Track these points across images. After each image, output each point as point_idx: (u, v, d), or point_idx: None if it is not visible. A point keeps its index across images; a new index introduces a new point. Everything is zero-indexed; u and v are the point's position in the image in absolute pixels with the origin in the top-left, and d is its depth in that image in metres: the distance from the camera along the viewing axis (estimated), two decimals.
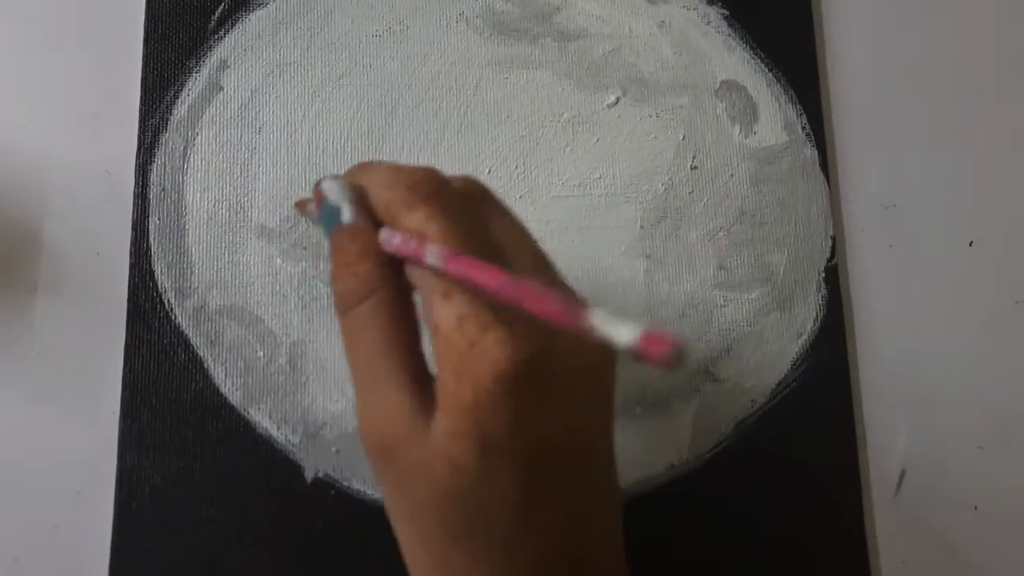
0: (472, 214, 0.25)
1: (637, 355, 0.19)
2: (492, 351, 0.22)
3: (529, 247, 0.26)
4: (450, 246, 0.23)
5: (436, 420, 0.23)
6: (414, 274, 0.24)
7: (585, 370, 0.24)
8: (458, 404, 0.22)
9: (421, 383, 0.24)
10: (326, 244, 0.25)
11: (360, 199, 0.25)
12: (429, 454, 0.23)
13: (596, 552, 0.25)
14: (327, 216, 0.25)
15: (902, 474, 0.36)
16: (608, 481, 0.26)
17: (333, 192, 0.25)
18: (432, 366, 0.24)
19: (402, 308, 0.24)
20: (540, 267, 0.26)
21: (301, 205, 0.30)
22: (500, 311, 0.23)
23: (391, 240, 0.24)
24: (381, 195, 0.25)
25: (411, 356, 0.24)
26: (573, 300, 0.21)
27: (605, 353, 0.25)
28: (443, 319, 0.23)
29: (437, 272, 0.23)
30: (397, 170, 0.25)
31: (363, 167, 0.27)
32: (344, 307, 0.25)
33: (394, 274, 0.24)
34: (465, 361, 0.22)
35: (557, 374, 0.23)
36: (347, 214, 0.25)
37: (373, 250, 0.25)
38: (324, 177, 0.26)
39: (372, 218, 0.25)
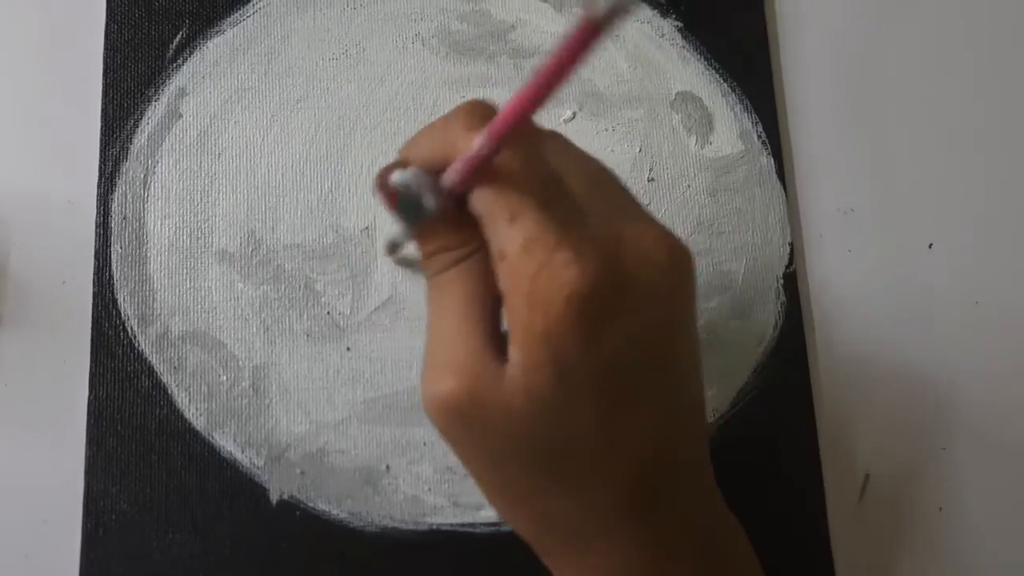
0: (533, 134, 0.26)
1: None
2: (561, 273, 0.22)
3: (583, 165, 0.26)
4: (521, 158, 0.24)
5: (510, 356, 0.23)
6: (479, 203, 0.24)
7: (651, 286, 0.24)
8: (530, 331, 0.23)
9: (495, 339, 0.24)
10: (403, 228, 0.26)
11: (433, 181, 0.25)
12: (507, 393, 0.23)
13: (681, 463, 0.26)
14: (406, 208, 0.25)
15: (866, 478, 0.36)
16: (689, 394, 0.26)
17: (411, 185, 0.25)
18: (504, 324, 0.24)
19: (485, 274, 0.25)
20: (595, 182, 0.26)
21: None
22: (567, 231, 0.23)
23: (452, 173, 0.24)
24: (440, 151, 0.25)
25: (488, 318, 0.24)
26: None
27: (675, 257, 0.25)
28: (509, 244, 0.23)
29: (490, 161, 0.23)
30: (446, 119, 0.25)
31: (409, 145, 0.26)
32: (432, 273, 0.25)
33: (480, 243, 0.25)
34: (534, 286, 0.22)
35: (625, 292, 0.23)
36: (431, 202, 0.25)
37: (461, 227, 0.25)
38: (390, 170, 0.25)
39: (446, 192, 0.25)
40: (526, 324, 0.23)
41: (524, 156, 0.24)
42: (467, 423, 0.24)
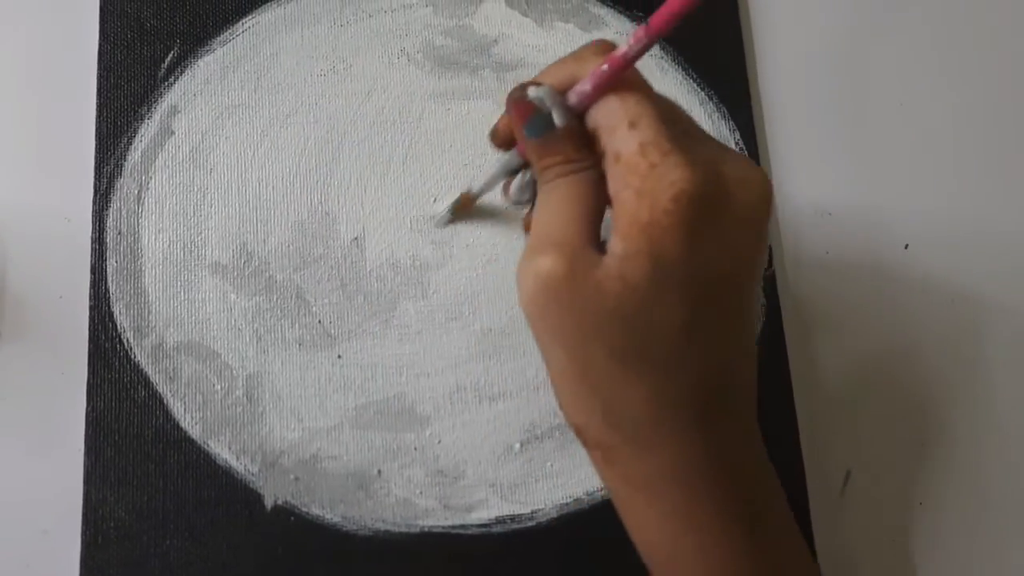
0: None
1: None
2: (672, 172, 0.24)
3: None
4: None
5: (610, 247, 0.25)
6: (601, 114, 0.26)
7: (747, 208, 0.26)
8: (635, 221, 0.25)
9: (596, 239, 0.26)
10: (530, 145, 0.28)
11: (563, 99, 0.27)
12: (601, 277, 0.25)
13: (741, 384, 0.28)
14: (536, 124, 0.27)
15: (847, 474, 0.37)
16: (753, 324, 0.28)
17: (546, 100, 0.27)
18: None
19: (593, 188, 0.27)
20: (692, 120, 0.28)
21: (501, 132, 0.31)
22: (680, 142, 0.25)
23: (583, 87, 0.26)
24: (569, 75, 0.27)
25: (592, 221, 0.26)
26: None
27: (764, 193, 0.27)
28: (626, 147, 0.25)
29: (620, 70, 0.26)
30: (576, 52, 0.28)
31: (542, 73, 0.28)
32: (546, 180, 0.27)
33: (591, 161, 0.27)
34: (646, 181, 0.25)
35: (724, 206, 0.25)
36: (560, 117, 0.27)
37: (579, 144, 0.27)
38: (522, 88, 0.27)
39: (572, 109, 0.27)
40: (631, 215, 0.25)
41: (643, 79, 0.27)
42: (560, 298, 0.25)
